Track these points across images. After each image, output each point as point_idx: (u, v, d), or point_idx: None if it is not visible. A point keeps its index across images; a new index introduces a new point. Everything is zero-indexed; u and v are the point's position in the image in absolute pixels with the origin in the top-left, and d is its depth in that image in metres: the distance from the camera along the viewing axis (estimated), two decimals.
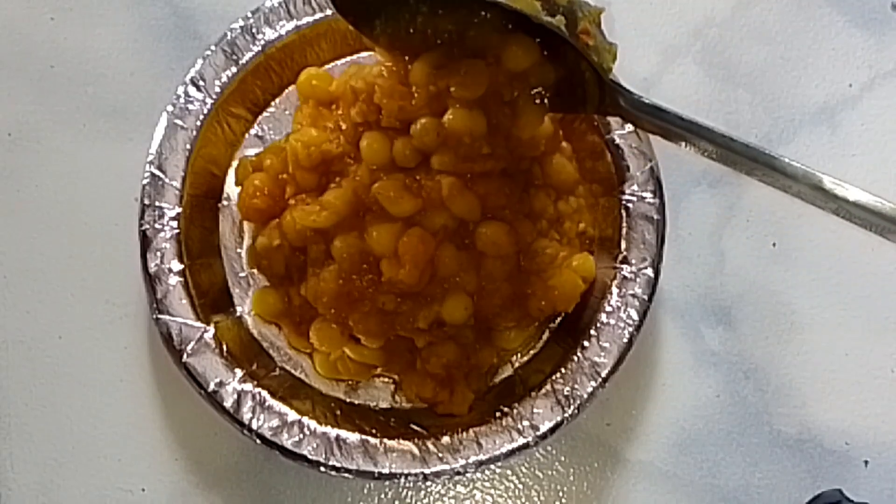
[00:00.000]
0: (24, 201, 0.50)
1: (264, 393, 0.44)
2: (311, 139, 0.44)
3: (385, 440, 0.43)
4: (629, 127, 0.46)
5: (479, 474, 0.47)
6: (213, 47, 0.47)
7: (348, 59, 0.49)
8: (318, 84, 0.47)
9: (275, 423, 0.43)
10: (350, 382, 0.46)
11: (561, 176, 0.45)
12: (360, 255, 0.43)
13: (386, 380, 0.46)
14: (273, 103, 0.49)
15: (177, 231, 0.45)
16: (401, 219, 0.42)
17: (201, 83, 0.47)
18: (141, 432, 0.47)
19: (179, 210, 0.45)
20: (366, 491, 0.47)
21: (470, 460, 0.43)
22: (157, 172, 0.46)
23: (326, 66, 0.48)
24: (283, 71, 0.48)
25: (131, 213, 0.45)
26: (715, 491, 0.47)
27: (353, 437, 0.43)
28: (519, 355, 0.46)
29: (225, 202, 0.48)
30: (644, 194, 0.46)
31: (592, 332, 0.44)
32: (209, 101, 0.47)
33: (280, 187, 0.45)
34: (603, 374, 0.44)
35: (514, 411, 0.44)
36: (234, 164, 0.48)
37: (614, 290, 0.45)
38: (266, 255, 0.45)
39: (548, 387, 0.44)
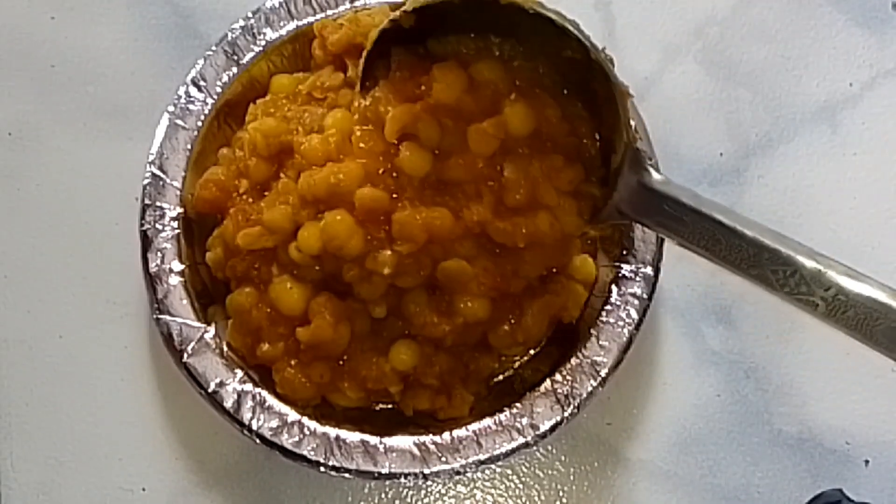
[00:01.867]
0: (25, 201, 0.50)
1: (264, 393, 0.43)
2: (271, 129, 0.43)
3: (385, 440, 0.43)
4: None
5: (479, 474, 0.47)
6: (213, 47, 0.47)
7: None
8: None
9: (275, 423, 0.43)
10: None
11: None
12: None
13: None
14: None
15: (177, 231, 0.45)
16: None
17: (202, 83, 0.47)
18: (141, 432, 0.47)
19: (180, 210, 0.45)
20: (366, 491, 0.47)
21: (470, 460, 0.43)
22: (158, 172, 0.45)
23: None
24: None
25: (132, 213, 0.45)
26: (715, 490, 0.47)
27: (353, 437, 0.43)
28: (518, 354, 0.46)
29: None
30: None
31: (592, 331, 0.44)
32: (210, 101, 0.47)
33: (232, 178, 0.44)
34: (603, 374, 0.44)
35: (514, 410, 0.44)
36: None
37: (614, 288, 0.45)
38: (220, 268, 0.44)
39: (547, 386, 0.44)
